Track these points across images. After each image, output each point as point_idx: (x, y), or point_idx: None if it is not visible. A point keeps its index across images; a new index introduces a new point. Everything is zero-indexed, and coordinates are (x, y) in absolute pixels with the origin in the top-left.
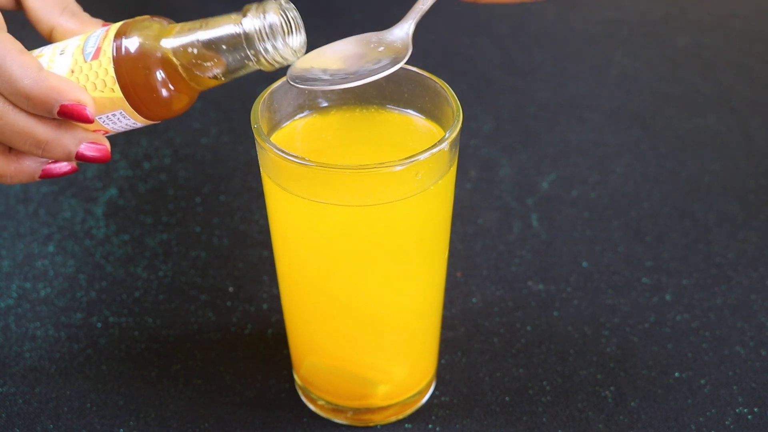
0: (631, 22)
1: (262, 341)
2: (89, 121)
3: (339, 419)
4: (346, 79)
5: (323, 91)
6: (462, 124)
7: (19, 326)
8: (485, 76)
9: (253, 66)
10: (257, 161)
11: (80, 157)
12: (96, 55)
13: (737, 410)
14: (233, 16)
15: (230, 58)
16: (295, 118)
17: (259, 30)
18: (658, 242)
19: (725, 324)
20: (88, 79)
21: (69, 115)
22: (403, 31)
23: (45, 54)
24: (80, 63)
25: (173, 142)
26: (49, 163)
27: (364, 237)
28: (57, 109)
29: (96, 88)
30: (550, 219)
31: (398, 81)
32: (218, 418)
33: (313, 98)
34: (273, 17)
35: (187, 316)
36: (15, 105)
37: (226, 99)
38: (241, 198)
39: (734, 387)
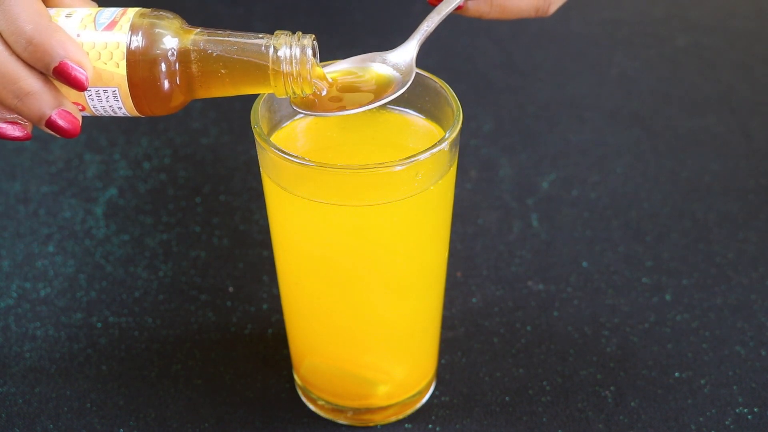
0: (631, 22)
1: (262, 341)
2: (83, 86)
3: (339, 419)
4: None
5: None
6: (462, 124)
7: (19, 326)
8: (485, 76)
9: (267, 87)
10: (257, 161)
11: (50, 124)
12: (110, 28)
13: (737, 410)
14: (262, 35)
15: (250, 72)
16: (295, 118)
17: (291, 55)
18: (658, 242)
19: (725, 324)
20: (93, 47)
21: (65, 75)
22: (408, 54)
23: (50, 13)
24: (90, 30)
25: (173, 142)
26: (6, 122)
27: (364, 237)
28: (56, 64)
29: (99, 58)
30: (550, 219)
31: None
32: (218, 418)
33: None
34: (308, 50)
35: (187, 316)
36: (10, 49)
37: (226, 99)
38: (241, 198)
39: (734, 387)
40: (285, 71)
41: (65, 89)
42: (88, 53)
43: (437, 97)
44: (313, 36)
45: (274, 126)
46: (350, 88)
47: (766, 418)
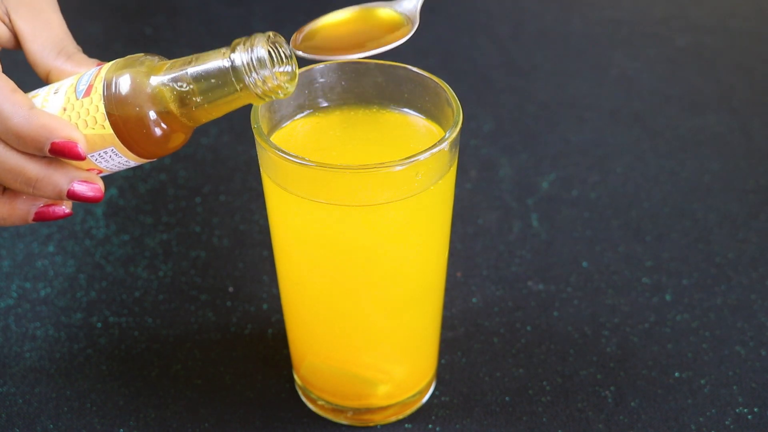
0: (631, 22)
1: (262, 341)
2: (81, 158)
3: (339, 419)
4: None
5: (324, 83)
6: (462, 124)
7: (19, 326)
8: (485, 76)
9: (243, 100)
10: (257, 161)
11: (72, 195)
12: (87, 93)
13: (737, 410)
14: (222, 50)
15: (220, 93)
16: (295, 118)
17: (247, 63)
18: (658, 242)
19: (725, 324)
20: (79, 117)
21: (60, 153)
22: (412, 3)
23: (40, 94)
24: (72, 101)
25: None
26: (43, 206)
27: (364, 237)
28: (48, 147)
29: (87, 126)
30: (550, 219)
31: (398, 81)
32: (218, 418)
33: (314, 98)
34: (261, 51)
35: (187, 316)
36: (6, 143)
37: None
38: (241, 198)
39: (734, 387)
40: (250, 84)
41: (75, 161)
42: (76, 124)
43: (437, 97)
44: (269, 35)
45: (274, 126)
46: (358, 33)
47: (766, 418)
